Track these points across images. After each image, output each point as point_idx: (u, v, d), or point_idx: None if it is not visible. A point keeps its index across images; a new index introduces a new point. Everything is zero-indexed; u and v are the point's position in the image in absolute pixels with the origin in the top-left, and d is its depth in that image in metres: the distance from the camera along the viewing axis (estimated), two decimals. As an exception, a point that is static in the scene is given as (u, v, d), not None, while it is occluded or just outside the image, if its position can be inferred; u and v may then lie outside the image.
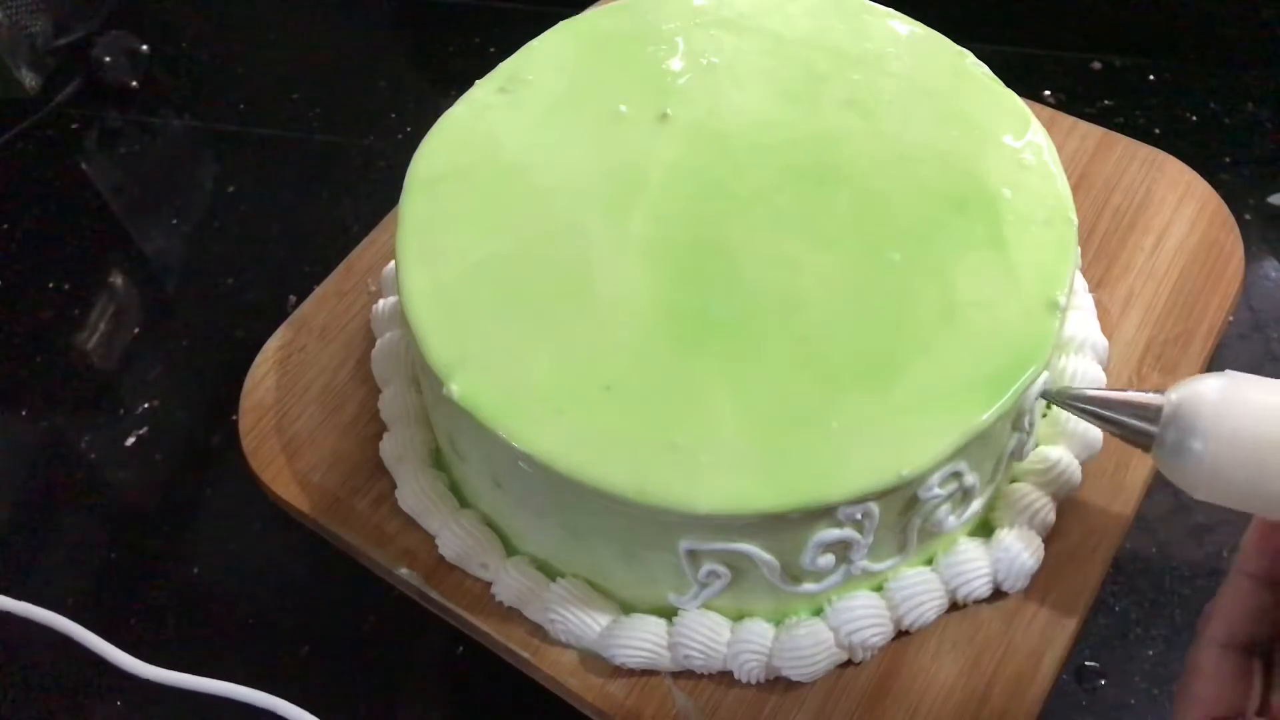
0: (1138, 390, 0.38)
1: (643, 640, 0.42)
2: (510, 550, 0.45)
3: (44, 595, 0.54)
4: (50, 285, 0.70)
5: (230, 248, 0.71)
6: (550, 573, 0.44)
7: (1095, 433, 0.45)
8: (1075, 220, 0.43)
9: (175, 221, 0.73)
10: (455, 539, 0.45)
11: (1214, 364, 0.49)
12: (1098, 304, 0.50)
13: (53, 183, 0.76)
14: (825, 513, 0.38)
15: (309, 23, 0.86)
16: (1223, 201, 0.53)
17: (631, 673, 0.42)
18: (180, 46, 0.84)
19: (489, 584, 0.45)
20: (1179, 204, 0.53)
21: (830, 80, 0.48)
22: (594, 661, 0.43)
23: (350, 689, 0.51)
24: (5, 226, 0.74)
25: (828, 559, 0.40)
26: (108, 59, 0.79)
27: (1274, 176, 0.68)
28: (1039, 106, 0.53)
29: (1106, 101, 0.72)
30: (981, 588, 0.43)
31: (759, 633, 0.42)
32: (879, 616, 0.42)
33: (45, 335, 0.68)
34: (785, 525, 0.38)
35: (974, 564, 0.42)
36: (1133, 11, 0.76)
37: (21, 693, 0.54)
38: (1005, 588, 0.43)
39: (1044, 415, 0.46)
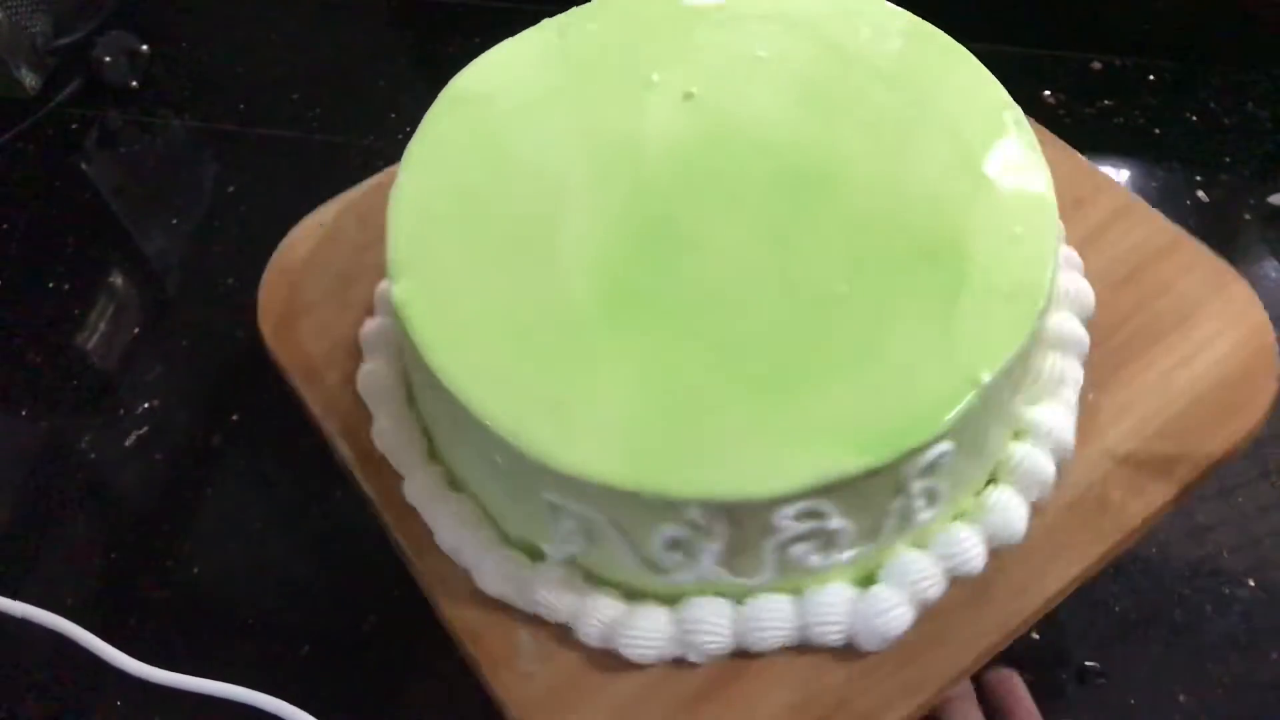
0: None
1: (504, 574, 0.43)
2: (432, 456, 0.47)
3: (44, 595, 0.54)
4: (50, 285, 0.70)
5: (230, 248, 0.71)
6: (457, 487, 0.45)
7: (1020, 525, 0.43)
8: (1042, 305, 0.41)
9: (175, 221, 0.73)
10: (388, 430, 0.47)
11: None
12: (1091, 403, 0.47)
13: (53, 183, 0.76)
14: (667, 506, 0.38)
15: (309, 23, 0.86)
16: (1276, 342, 0.48)
17: (496, 603, 0.43)
18: (180, 46, 0.84)
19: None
20: (1225, 328, 0.48)
21: (860, 101, 0.47)
22: (466, 581, 0.44)
23: (350, 689, 0.51)
24: (5, 226, 0.74)
25: (675, 555, 0.40)
26: (108, 59, 0.79)
27: (1274, 176, 0.68)
28: (1118, 189, 0.50)
29: (1106, 101, 0.72)
30: (835, 636, 0.41)
31: (604, 603, 0.42)
32: (720, 626, 0.41)
33: (45, 335, 0.68)
34: (633, 507, 0.39)
35: (831, 610, 0.41)
36: (1133, 11, 0.76)
37: (21, 693, 0.54)
38: (859, 645, 0.42)
39: (976, 495, 0.44)
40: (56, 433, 0.64)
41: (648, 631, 0.42)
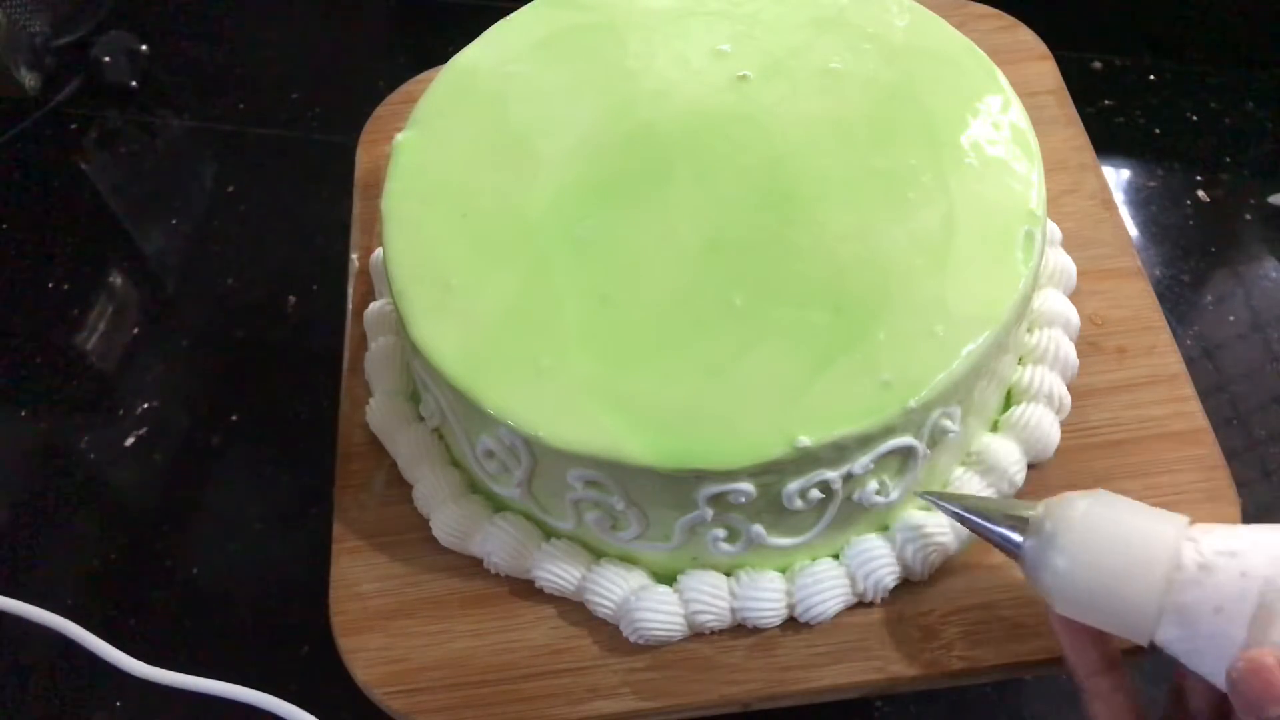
0: (1011, 499, 0.38)
1: (456, 516, 0.46)
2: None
3: (44, 595, 0.54)
4: (50, 285, 0.70)
5: (230, 248, 0.71)
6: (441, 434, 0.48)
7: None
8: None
9: (175, 221, 0.73)
10: (380, 353, 0.51)
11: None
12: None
13: (53, 183, 0.76)
14: (558, 456, 0.40)
15: (309, 23, 0.86)
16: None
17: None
18: (180, 46, 0.84)
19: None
20: None
21: (897, 130, 0.47)
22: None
23: (350, 689, 0.51)
24: (5, 226, 0.74)
25: (593, 514, 0.42)
26: (108, 59, 0.79)
27: (1274, 176, 0.68)
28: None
29: (1106, 101, 0.72)
30: (715, 622, 0.43)
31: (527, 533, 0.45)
32: (670, 612, 0.43)
33: (45, 335, 0.68)
34: (543, 452, 0.40)
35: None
36: (1133, 11, 0.76)
37: (21, 693, 0.54)
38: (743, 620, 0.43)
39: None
40: (56, 433, 0.64)
41: (561, 564, 0.44)
